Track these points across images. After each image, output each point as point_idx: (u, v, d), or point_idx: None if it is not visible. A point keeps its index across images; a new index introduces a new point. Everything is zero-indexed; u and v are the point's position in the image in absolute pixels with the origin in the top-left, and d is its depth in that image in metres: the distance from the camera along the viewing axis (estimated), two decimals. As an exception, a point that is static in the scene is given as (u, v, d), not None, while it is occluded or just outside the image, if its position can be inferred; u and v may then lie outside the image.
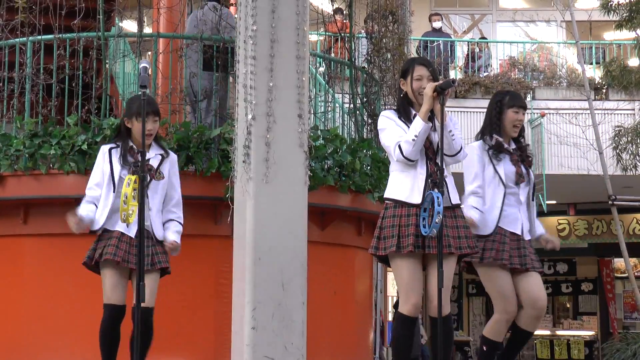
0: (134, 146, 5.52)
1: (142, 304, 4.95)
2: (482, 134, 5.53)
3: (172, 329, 6.84)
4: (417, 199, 4.86)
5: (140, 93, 5.02)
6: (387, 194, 5.03)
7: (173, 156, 5.74)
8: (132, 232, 5.37)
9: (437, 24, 15.74)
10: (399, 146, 4.86)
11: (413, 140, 4.80)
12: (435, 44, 15.38)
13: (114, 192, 5.46)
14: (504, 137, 5.47)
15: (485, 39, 17.40)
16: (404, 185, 4.93)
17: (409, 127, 4.90)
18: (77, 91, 7.40)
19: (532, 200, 5.50)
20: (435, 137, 4.90)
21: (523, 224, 5.42)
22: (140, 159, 5.06)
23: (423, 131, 4.81)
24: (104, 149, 5.60)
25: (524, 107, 5.56)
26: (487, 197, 5.39)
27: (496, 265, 5.29)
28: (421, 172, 4.90)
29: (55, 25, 7.47)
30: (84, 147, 6.95)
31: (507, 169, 5.40)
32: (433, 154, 4.92)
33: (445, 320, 4.76)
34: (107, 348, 5.42)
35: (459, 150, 4.93)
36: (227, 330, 6.26)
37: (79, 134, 7.02)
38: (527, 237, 5.44)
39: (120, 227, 5.42)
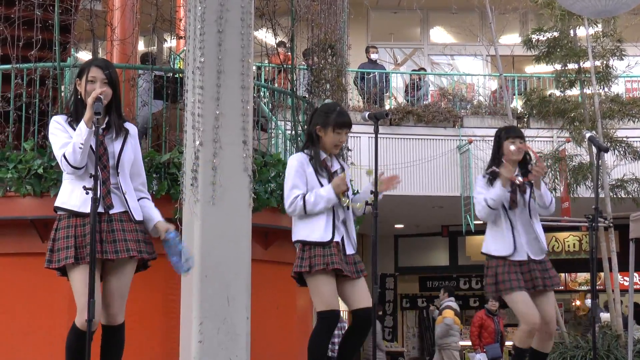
0: (327, 156, 5.24)
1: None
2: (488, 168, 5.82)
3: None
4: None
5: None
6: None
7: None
8: None
9: (373, 56, 15.87)
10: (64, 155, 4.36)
11: (80, 147, 4.31)
12: (372, 75, 15.50)
13: None
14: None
15: (425, 70, 17.55)
16: None
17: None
18: (33, 118, 7.31)
19: (532, 218, 5.79)
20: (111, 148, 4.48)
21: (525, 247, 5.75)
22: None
23: (88, 136, 4.31)
24: (301, 158, 5.18)
25: (520, 136, 5.74)
26: (501, 221, 5.72)
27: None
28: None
29: (13, 55, 7.41)
30: (40, 170, 6.85)
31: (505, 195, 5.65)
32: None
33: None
34: None
35: None
36: (175, 343, 6.19)
37: (35, 158, 6.91)
38: (535, 257, 5.76)
39: None
